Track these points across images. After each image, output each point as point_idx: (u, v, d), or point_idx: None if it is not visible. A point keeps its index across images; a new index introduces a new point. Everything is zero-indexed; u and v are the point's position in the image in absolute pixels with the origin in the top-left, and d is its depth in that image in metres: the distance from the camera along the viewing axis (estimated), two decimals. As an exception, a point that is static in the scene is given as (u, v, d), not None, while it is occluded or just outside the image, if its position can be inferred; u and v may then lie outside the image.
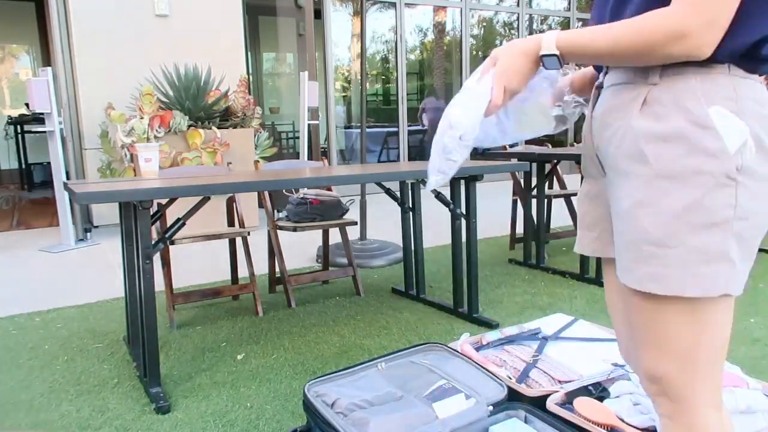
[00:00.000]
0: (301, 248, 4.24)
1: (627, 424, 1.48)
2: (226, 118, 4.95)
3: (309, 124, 4.66)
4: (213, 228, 3.13)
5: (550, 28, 9.02)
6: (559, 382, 1.73)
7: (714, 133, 0.85)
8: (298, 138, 6.01)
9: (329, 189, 3.29)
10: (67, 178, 4.55)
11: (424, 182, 2.91)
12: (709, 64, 0.88)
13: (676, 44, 0.83)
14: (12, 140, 8.16)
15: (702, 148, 0.85)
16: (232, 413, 1.92)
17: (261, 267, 3.37)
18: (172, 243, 2.59)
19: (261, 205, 3.17)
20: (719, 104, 0.86)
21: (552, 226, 4.57)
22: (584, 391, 1.63)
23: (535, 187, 3.71)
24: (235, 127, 4.89)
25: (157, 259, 3.28)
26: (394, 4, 7.07)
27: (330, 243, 3.46)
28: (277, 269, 3.14)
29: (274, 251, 3.10)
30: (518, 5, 8.03)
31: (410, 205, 3.04)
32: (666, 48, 0.84)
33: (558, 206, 4.46)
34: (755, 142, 0.86)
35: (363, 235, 4.03)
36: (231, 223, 3.09)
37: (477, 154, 8.42)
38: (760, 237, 0.91)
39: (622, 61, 0.90)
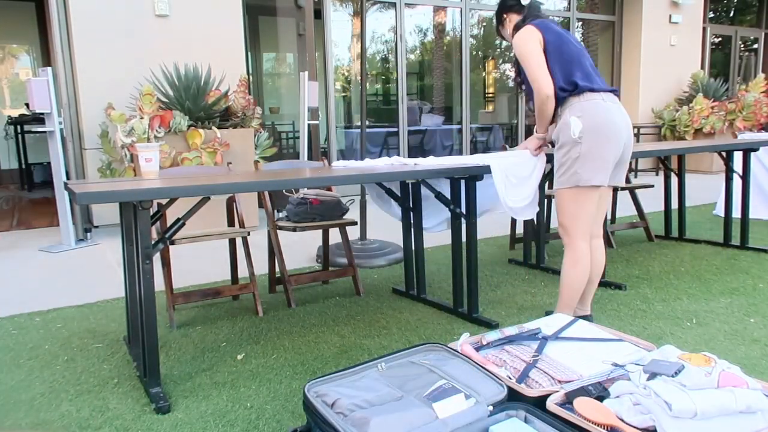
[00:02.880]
0: (301, 248, 4.24)
1: (627, 424, 1.48)
2: (226, 118, 4.95)
3: (309, 124, 4.66)
4: (213, 228, 3.13)
5: (550, 28, 8.99)
6: (559, 382, 1.73)
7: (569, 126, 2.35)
8: (298, 138, 6.01)
9: (329, 189, 3.29)
10: (67, 178, 4.55)
11: (424, 182, 2.91)
12: (566, 99, 2.40)
13: (545, 102, 2.42)
14: (12, 140, 8.16)
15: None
16: (232, 413, 1.92)
17: (261, 267, 3.37)
18: (172, 243, 2.59)
19: (261, 205, 3.17)
20: (573, 115, 2.34)
21: (552, 226, 4.57)
22: (584, 391, 1.63)
23: (535, 187, 3.71)
24: (235, 127, 4.89)
25: (157, 259, 3.28)
26: (394, 4, 7.06)
27: (330, 243, 3.46)
28: (277, 269, 3.14)
29: (274, 251, 3.10)
30: (518, 5, 8.02)
31: (410, 205, 3.04)
32: (542, 103, 2.43)
33: (558, 206, 4.46)
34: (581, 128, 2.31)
35: (363, 235, 4.03)
36: (231, 223, 3.09)
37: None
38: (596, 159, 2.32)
39: (546, 118, 2.49)
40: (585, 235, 2.44)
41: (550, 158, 2.63)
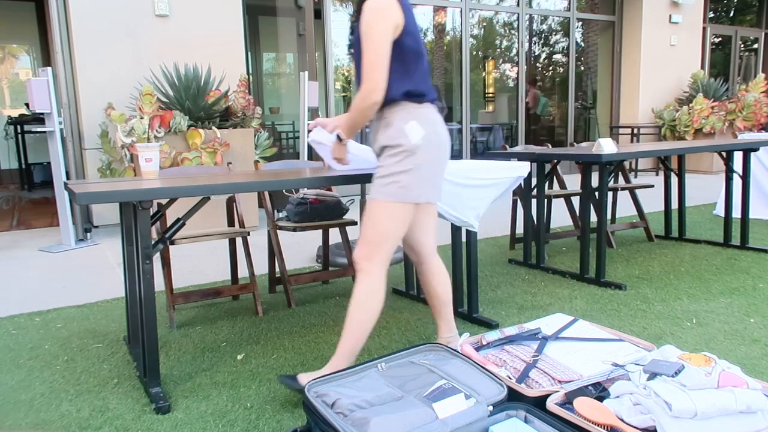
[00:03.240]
0: (301, 248, 4.24)
1: (627, 424, 1.48)
2: (226, 118, 4.95)
3: (309, 125, 4.66)
4: (213, 228, 3.13)
5: (550, 28, 9.01)
6: (559, 382, 1.73)
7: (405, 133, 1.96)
8: (298, 138, 6.01)
9: (329, 189, 3.29)
10: (67, 178, 4.55)
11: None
12: (397, 103, 1.96)
13: (370, 108, 1.91)
14: (12, 140, 8.16)
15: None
16: (232, 413, 1.92)
17: (261, 267, 3.37)
18: (172, 243, 2.59)
19: (261, 205, 3.17)
20: (412, 121, 1.95)
21: (552, 226, 4.57)
22: (584, 391, 1.63)
23: (535, 187, 3.71)
24: (235, 127, 4.89)
25: (157, 259, 3.29)
26: (394, 4, 7.05)
27: (330, 243, 3.46)
28: (277, 269, 3.14)
29: (274, 251, 3.10)
30: (518, 5, 8.03)
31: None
32: (368, 109, 1.92)
33: (558, 206, 4.46)
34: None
35: (363, 235, 4.02)
36: (231, 223, 3.09)
37: (478, 154, 8.40)
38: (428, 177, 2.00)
39: (361, 124, 1.99)
40: (388, 261, 2.03)
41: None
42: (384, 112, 2.00)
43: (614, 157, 3.12)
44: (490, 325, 2.64)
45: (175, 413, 1.93)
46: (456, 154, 7.93)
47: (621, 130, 8.70)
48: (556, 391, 1.64)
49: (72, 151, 4.75)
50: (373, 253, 1.98)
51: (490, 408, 1.56)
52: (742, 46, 10.87)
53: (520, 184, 3.85)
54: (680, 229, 4.37)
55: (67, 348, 2.51)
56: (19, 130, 7.78)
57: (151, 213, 2.29)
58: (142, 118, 4.44)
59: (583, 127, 9.13)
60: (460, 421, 1.50)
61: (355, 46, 1.98)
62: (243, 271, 3.04)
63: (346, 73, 7.86)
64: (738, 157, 4.01)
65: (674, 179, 4.38)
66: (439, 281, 2.26)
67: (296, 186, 2.47)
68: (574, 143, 5.33)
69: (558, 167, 4.04)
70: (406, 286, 3.14)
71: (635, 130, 8.43)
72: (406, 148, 1.94)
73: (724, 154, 4.02)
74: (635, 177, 7.97)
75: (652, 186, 4.31)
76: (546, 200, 3.94)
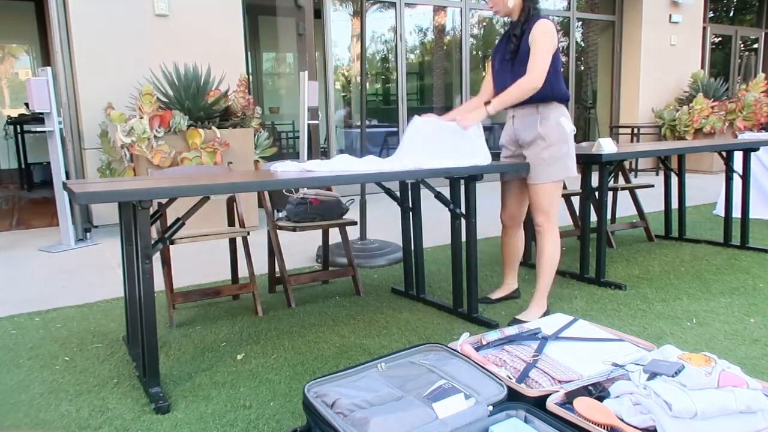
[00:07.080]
0: (301, 248, 4.24)
1: (627, 424, 1.48)
2: (226, 118, 4.95)
3: (309, 124, 4.66)
4: (213, 228, 3.13)
5: (550, 28, 8.99)
6: (559, 382, 1.73)
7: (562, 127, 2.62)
8: (298, 138, 6.01)
9: (329, 189, 3.28)
10: (67, 177, 4.55)
11: (424, 182, 2.91)
12: (551, 102, 2.60)
13: (532, 90, 2.50)
14: (12, 140, 8.16)
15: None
16: (232, 413, 1.92)
17: (261, 267, 3.37)
18: (172, 243, 2.59)
19: (261, 205, 3.17)
20: (562, 116, 2.62)
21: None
22: (584, 391, 1.63)
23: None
24: (235, 127, 4.89)
25: (156, 258, 3.28)
26: (394, 4, 7.06)
27: (330, 243, 3.46)
28: (277, 269, 3.14)
29: (274, 251, 3.10)
30: (518, 5, 8.02)
31: (410, 205, 3.04)
32: (529, 91, 2.50)
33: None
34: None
35: (363, 235, 4.02)
36: (231, 223, 3.09)
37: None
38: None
39: (514, 103, 2.57)
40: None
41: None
42: (537, 108, 2.61)
43: (614, 156, 3.12)
44: (490, 325, 2.64)
45: (175, 413, 1.93)
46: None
47: (621, 130, 8.70)
48: (556, 391, 1.64)
49: (72, 151, 4.75)
50: (551, 218, 2.72)
51: (490, 408, 1.56)
52: (742, 45, 10.87)
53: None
54: (680, 229, 4.37)
55: (66, 348, 2.51)
56: (18, 130, 7.78)
57: (151, 212, 2.29)
58: (141, 117, 4.43)
59: (583, 126, 9.13)
60: (460, 421, 1.50)
61: (515, 52, 2.59)
62: (243, 271, 3.04)
63: (346, 73, 7.86)
64: (738, 156, 4.00)
65: (674, 179, 4.37)
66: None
67: (296, 186, 2.46)
68: (574, 143, 5.33)
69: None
70: (406, 286, 3.14)
71: (635, 130, 8.43)
72: (563, 138, 2.61)
73: (724, 153, 4.02)
74: (635, 177, 7.97)
75: (652, 186, 4.31)
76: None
